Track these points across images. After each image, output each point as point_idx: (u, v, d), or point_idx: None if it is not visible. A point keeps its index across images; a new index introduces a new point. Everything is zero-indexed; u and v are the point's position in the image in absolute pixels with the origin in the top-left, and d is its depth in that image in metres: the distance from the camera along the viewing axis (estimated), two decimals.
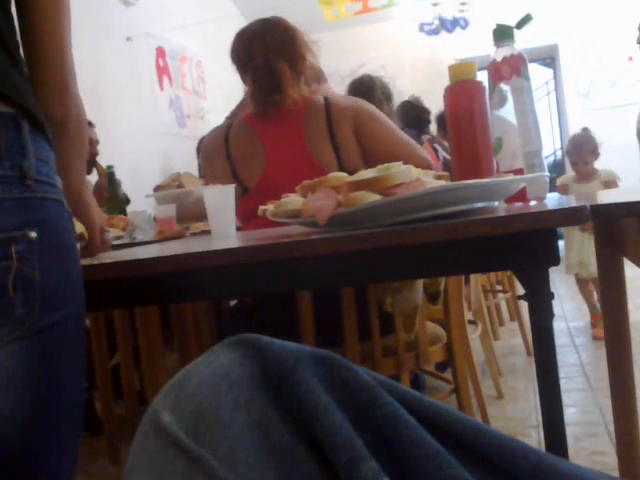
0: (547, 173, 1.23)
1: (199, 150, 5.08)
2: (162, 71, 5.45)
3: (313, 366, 0.42)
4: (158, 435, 0.39)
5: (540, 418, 0.97)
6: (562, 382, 0.96)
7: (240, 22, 2.03)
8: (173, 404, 0.40)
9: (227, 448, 0.37)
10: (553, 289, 0.94)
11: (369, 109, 1.90)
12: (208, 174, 2.09)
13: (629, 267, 1.48)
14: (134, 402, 2.42)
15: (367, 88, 2.92)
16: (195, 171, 4.62)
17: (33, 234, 0.83)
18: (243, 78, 1.96)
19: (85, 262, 1.14)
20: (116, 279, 1.09)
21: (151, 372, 2.14)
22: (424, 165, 1.73)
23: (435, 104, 3.93)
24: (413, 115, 3.75)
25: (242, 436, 0.38)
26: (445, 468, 0.38)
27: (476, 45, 6.59)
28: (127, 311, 2.35)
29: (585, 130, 3.79)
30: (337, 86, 2.85)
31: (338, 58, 6.75)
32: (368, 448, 0.38)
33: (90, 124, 3.56)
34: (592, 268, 3.53)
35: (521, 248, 0.93)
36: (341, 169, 1.77)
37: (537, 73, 8.45)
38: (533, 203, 1.21)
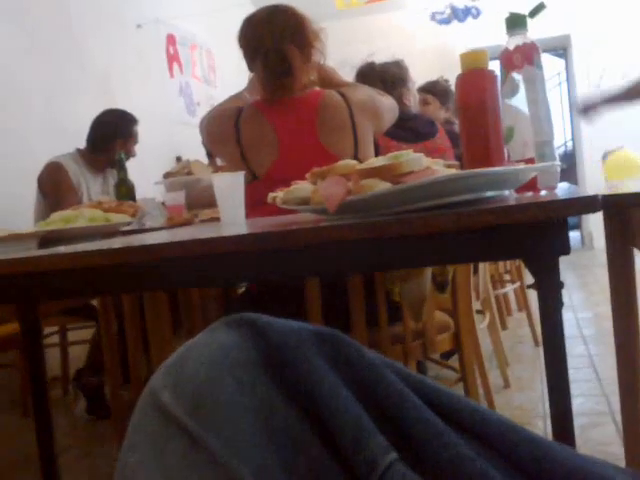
0: (558, 162, 1.22)
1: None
2: (172, 58, 5.44)
3: (316, 344, 0.42)
4: (158, 414, 0.39)
5: (547, 408, 0.97)
6: (570, 372, 0.96)
7: (251, 10, 2.03)
8: (173, 384, 0.40)
9: (228, 430, 0.37)
10: (561, 279, 0.93)
11: (380, 102, 1.97)
12: (216, 154, 2.11)
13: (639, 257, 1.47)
14: (142, 387, 2.42)
15: (363, 78, 2.90)
16: (204, 159, 4.62)
17: None
18: (250, 64, 1.97)
19: (94, 247, 1.14)
20: (125, 264, 1.09)
21: (159, 358, 2.15)
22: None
23: None
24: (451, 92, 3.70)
25: (244, 418, 0.38)
26: (451, 446, 0.38)
27: (488, 34, 6.54)
28: (136, 297, 2.36)
29: None
30: (348, 75, 2.83)
31: (348, 47, 6.71)
32: (374, 425, 0.38)
33: (134, 120, 3.49)
34: None
35: (531, 237, 0.92)
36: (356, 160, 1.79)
37: (549, 63, 8.40)
38: (544, 192, 1.20)
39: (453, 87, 1.34)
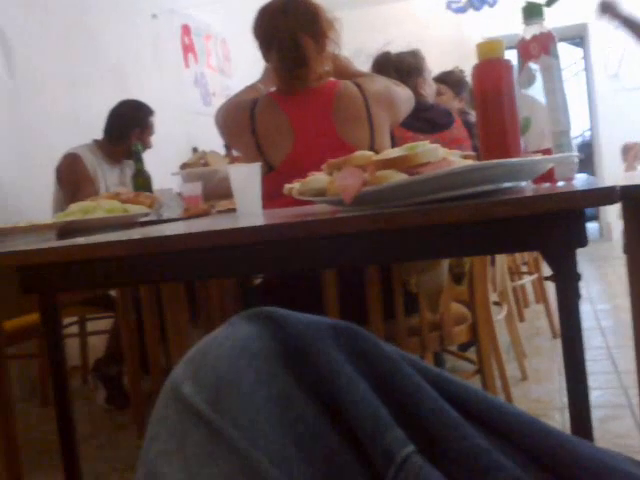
0: (576, 153, 1.21)
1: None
2: (187, 49, 5.45)
3: (333, 337, 0.42)
4: (179, 405, 0.39)
5: (564, 400, 0.97)
6: (587, 364, 0.95)
7: (265, 0, 2.03)
8: (194, 375, 0.40)
9: (248, 420, 0.38)
10: (579, 271, 0.93)
11: (396, 93, 1.98)
12: (232, 145, 2.12)
13: None
14: (160, 377, 2.45)
15: (379, 67, 2.89)
16: (220, 149, 4.64)
17: None
18: (265, 54, 1.97)
19: (113, 238, 1.15)
20: (143, 255, 1.10)
21: (177, 348, 2.16)
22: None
23: None
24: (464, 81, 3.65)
25: (263, 409, 0.38)
26: (468, 438, 0.38)
27: (505, 23, 6.49)
28: (154, 287, 2.38)
29: None
30: (363, 64, 2.82)
31: (364, 36, 6.69)
32: (391, 417, 0.38)
33: (150, 111, 3.51)
34: None
35: (548, 229, 0.92)
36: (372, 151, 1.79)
37: (566, 53, 8.32)
38: (561, 183, 1.19)
39: (468, 77, 1.34)
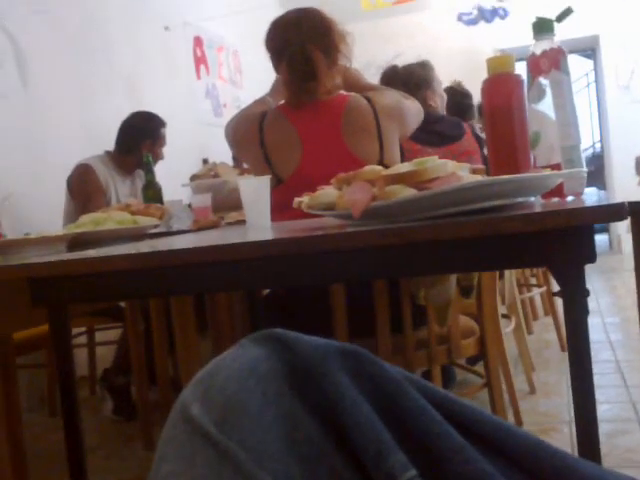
0: (585, 169, 1.21)
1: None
2: (199, 60, 5.48)
3: (340, 360, 0.43)
4: (188, 426, 0.40)
5: (572, 414, 0.96)
6: (596, 378, 0.95)
7: (278, 12, 2.04)
8: (203, 396, 0.41)
9: (255, 441, 0.38)
10: (589, 284, 0.92)
11: (406, 107, 1.99)
12: (241, 158, 2.13)
13: None
14: (168, 388, 2.45)
15: (387, 81, 2.89)
16: (231, 161, 4.65)
17: None
18: (276, 66, 1.98)
19: (122, 251, 1.16)
20: (151, 269, 1.11)
21: (185, 359, 2.17)
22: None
23: (472, 95, 3.90)
24: (453, 102, 3.63)
25: (269, 430, 0.39)
26: (471, 462, 0.38)
27: (515, 35, 6.49)
28: (162, 298, 2.38)
29: None
30: (373, 76, 2.83)
31: (374, 48, 6.71)
32: (394, 440, 0.39)
33: (162, 123, 3.54)
34: None
35: (556, 245, 0.92)
36: (381, 165, 1.79)
37: (577, 64, 8.32)
38: (570, 198, 1.19)
39: (476, 89, 1.34)
